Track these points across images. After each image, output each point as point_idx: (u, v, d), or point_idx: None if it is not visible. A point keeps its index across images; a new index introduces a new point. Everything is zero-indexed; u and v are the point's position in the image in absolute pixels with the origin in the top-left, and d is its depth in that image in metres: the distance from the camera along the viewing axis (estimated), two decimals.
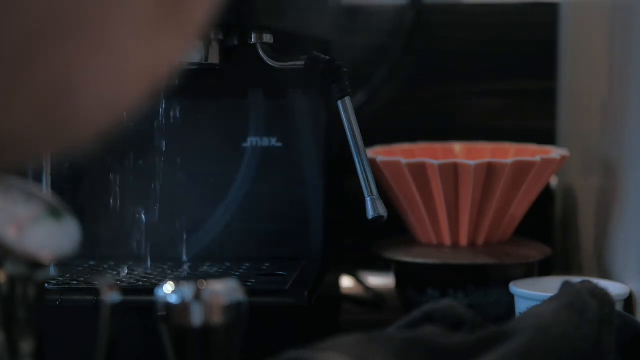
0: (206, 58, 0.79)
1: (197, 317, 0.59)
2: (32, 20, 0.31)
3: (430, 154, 0.98)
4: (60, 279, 0.80)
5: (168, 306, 0.59)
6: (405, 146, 1.00)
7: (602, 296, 0.63)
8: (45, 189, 0.77)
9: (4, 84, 0.32)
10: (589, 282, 0.65)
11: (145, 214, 0.87)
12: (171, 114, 0.85)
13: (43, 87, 0.32)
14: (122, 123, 0.36)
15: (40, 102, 0.33)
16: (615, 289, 0.75)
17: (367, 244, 0.97)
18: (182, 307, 0.59)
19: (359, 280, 1.09)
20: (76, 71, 0.33)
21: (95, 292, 0.74)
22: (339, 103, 0.79)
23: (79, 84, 0.33)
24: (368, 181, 0.78)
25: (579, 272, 0.99)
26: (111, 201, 0.87)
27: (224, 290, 0.60)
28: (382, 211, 0.78)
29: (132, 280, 0.81)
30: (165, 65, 0.36)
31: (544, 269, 0.96)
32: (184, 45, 0.36)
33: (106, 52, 0.33)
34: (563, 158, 0.91)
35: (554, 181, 1.09)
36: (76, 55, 0.33)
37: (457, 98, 1.15)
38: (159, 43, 0.35)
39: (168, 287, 0.60)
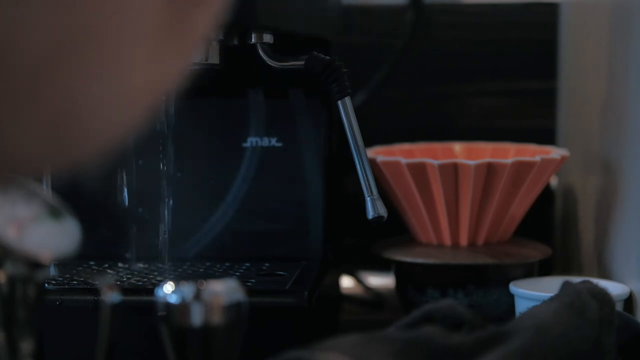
0: (206, 58, 0.79)
1: (197, 317, 0.59)
2: (41, 46, 0.31)
3: (430, 154, 0.98)
4: (60, 279, 0.80)
5: (168, 306, 0.59)
6: (405, 146, 1.00)
7: (602, 296, 0.63)
8: (46, 189, 0.77)
9: (11, 109, 0.32)
10: (589, 282, 0.65)
11: (145, 214, 0.87)
12: (171, 114, 0.85)
13: (50, 111, 0.33)
14: (126, 138, 0.36)
15: (47, 125, 0.33)
16: (615, 289, 0.75)
17: (367, 244, 0.97)
18: (182, 307, 0.59)
19: (359, 280, 1.09)
20: (83, 93, 0.33)
21: (95, 292, 0.74)
22: (339, 103, 0.79)
23: (85, 104, 0.33)
24: (368, 181, 0.78)
25: (579, 272, 0.99)
26: (111, 201, 0.87)
27: (224, 290, 0.60)
28: (382, 211, 0.78)
29: (132, 280, 0.81)
30: (169, 79, 0.36)
31: (544, 269, 0.96)
32: (188, 58, 0.36)
33: (112, 72, 0.33)
34: (563, 158, 0.91)
35: (554, 181, 1.09)
36: (83, 77, 0.33)
37: (457, 98, 1.15)
38: (163, 58, 0.35)
39: (168, 287, 0.60)
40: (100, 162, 0.36)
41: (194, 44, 0.36)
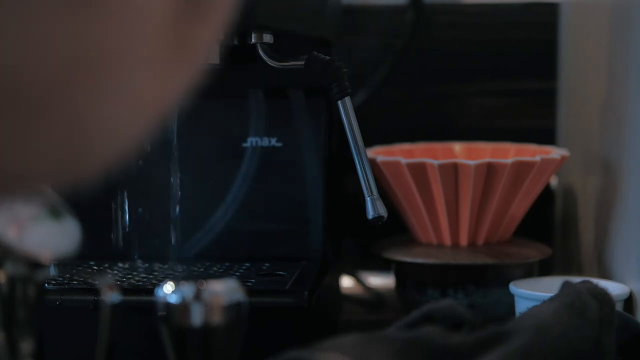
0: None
1: (197, 317, 0.59)
2: (53, 67, 0.32)
3: (430, 154, 0.98)
4: (60, 279, 0.80)
5: (168, 306, 0.59)
6: (405, 146, 1.00)
7: (602, 296, 0.63)
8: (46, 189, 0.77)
9: (22, 128, 0.32)
10: (589, 282, 0.65)
11: (145, 214, 0.87)
12: (174, 116, 0.85)
13: (60, 131, 0.33)
14: (131, 153, 0.36)
15: (56, 144, 0.33)
16: (615, 289, 0.75)
17: (367, 244, 0.97)
18: (182, 307, 0.59)
19: (359, 280, 1.09)
20: (92, 113, 0.33)
21: (95, 292, 0.74)
22: (339, 103, 0.79)
23: (94, 124, 0.34)
24: (368, 181, 0.78)
25: (579, 272, 0.99)
26: (111, 201, 0.87)
27: (224, 290, 0.60)
28: (382, 211, 0.78)
29: (132, 280, 0.81)
30: (176, 93, 0.37)
31: (544, 269, 0.96)
32: (194, 71, 0.37)
33: (121, 91, 0.34)
34: (563, 158, 0.91)
35: (554, 181, 1.09)
36: (93, 98, 0.33)
37: (457, 98, 1.15)
38: (170, 74, 0.36)
39: (168, 287, 0.60)
40: (105, 175, 0.36)
41: (200, 57, 0.37)
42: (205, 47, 0.37)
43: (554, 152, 0.92)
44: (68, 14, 0.31)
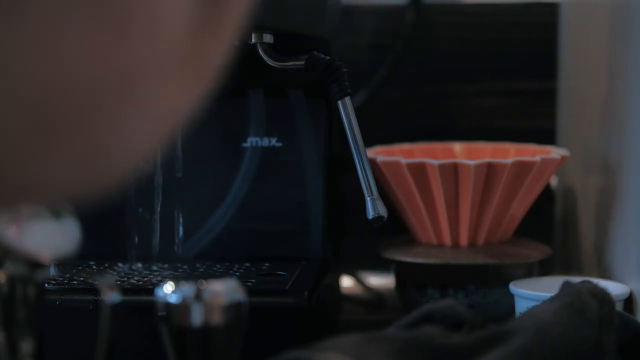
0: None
1: (197, 317, 0.59)
2: (81, 86, 0.32)
3: (430, 154, 0.98)
4: (60, 279, 0.80)
5: (168, 306, 0.59)
6: (405, 146, 1.00)
7: (602, 296, 0.63)
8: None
9: (47, 146, 0.33)
10: (589, 282, 0.65)
11: (145, 214, 0.87)
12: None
13: (81, 145, 0.33)
14: (145, 163, 0.37)
15: (77, 158, 0.34)
16: (615, 289, 0.75)
17: (367, 244, 0.97)
18: (182, 307, 0.59)
19: (359, 280, 1.09)
20: (114, 130, 0.34)
21: (95, 292, 0.74)
22: (339, 103, 0.79)
23: (114, 140, 0.34)
24: (368, 181, 0.78)
25: (579, 272, 0.99)
26: (111, 201, 0.87)
27: (224, 290, 0.60)
28: (382, 211, 0.78)
29: (132, 280, 0.81)
30: (193, 103, 0.37)
31: (544, 269, 0.96)
32: (210, 82, 0.37)
33: (142, 108, 0.34)
34: (563, 158, 0.91)
35: (554, 181, 1.09)
36: (116, 112, 0.34)
37: (457, 98, 1.15)
38: (189, 86, 0.36)
39: (168, 287, 0.60)
40: (120, 184, 0.37)
41: (213, 71, 0.37)
42: (218, 61, 0.37)
43: (554, 152, 0.92)
44: (98, 33, 0.31)
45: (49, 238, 0.54)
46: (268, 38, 0.81)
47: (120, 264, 0.86)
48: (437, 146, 1.01)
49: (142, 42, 0.33)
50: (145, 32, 0.33)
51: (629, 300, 0.80)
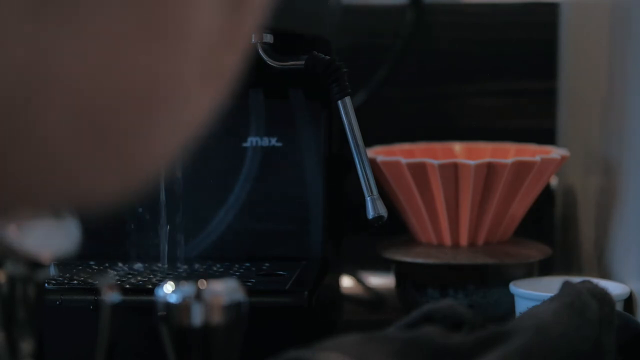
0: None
1: (197, 317, 0.59)
2: (123, 95, 0.33)
3: (430, 154, 0.98)
4: (60, 279, 0.80)
5: (168, 306, 0.59)
6: (405, 146, 1.00)
7: (602, 296, 0.63)
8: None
9: (89, 151, 0.33)
10: (589, 282, 0.65)
11: (145, 214, 0.87)
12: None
13: (118, 150, 0.34)
14: (163, 171, 0.38)
15: (114, 163, 0.35)
16: (615, 289, 0.75)
17: (367, 244, 0.96)
18: (182, 307, 0.59)
19: (359, 280, 1.09)
20: (144, 139, 0.35)
21: (95, 292, 0.74)
22: (339, 103, 0.79)
23: (143, 149, 0.35)
24: (368, 181, 0.78)
25: (579, 272, 0.99)
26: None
27: (224, 290, 0.60)
28: (382, 211, 0.78)
29: (132, 280, 0.81)
30: (209, 112, 0.38)
31: (544, 269, 0.96)
32: (226, 88, 0.38)
33: (170, 118, 0.35)
34: (563, 158, 0.91)
35: (554, 181, 1.09)
36: (146, 125, 0.35)
37: (457, 98, 1.15)
38: (207, 95, 0.37)
39: (168, 287, 0.60)
40: (139, 190, 0.38)
41: (229, 80, 0.38)
42: (235, 70, 0.38)
43: (554, 152, 0.92)
44: (142, 44, 0.32)
45: (49, 238, 0.54)
46: (268, 38, 0.81)
47: (120, 264, 0.87)
48: (437, 146, 1.01)
49: (176, 53, 0.33)
50: (179, 35, 0.33)
51: (629, 300, 0.80)
